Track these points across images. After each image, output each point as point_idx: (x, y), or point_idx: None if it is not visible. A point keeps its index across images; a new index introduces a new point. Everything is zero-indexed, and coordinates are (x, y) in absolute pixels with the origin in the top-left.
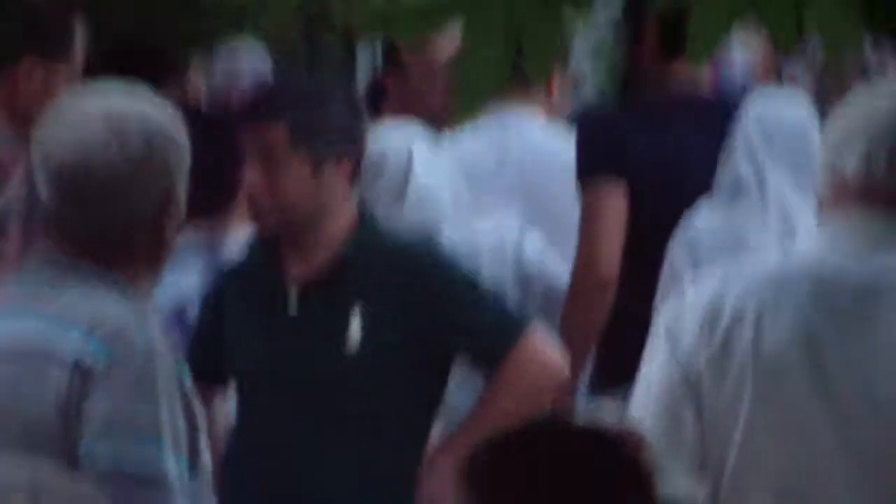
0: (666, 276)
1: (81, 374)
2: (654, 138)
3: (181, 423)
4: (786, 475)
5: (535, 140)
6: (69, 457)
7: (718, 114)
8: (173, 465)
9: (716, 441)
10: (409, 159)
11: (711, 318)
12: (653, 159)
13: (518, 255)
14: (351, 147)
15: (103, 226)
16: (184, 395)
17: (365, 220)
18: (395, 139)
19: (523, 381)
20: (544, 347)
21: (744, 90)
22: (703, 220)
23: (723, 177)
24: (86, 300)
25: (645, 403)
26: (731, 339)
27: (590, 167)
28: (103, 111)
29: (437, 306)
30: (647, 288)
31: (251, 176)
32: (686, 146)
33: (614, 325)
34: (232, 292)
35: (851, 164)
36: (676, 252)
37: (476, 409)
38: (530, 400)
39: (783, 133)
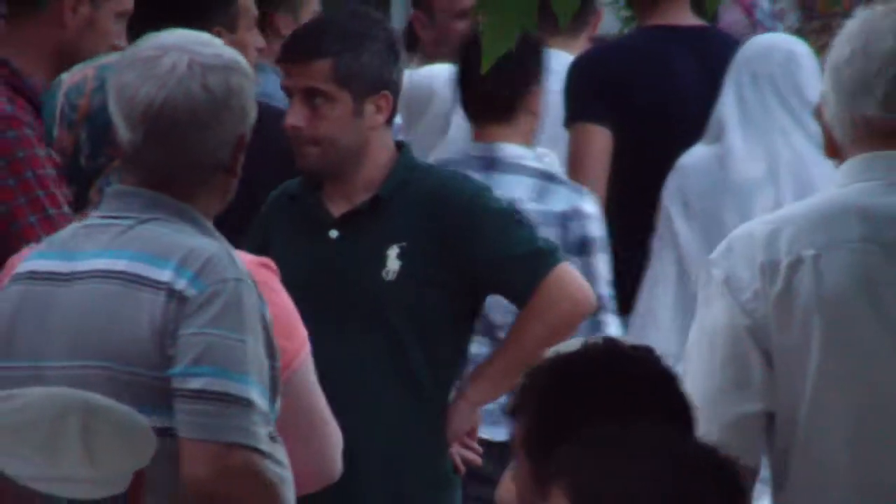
0: (660, 218)
1: (178, 301)
2: (642, 76)
3: (263, 355)
4: (858, 418)
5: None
6: (158, 377)
7: (721, 49)
8: (258, 395)
9: (786, 385)
10: (429, 100)
11: (770, 264)
12: (646, 100)
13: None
14: (390, 86)
15: (185, 162)
16: (264, 328)
17: (402, 156)
18: (441, 78)
19: (554, 311)
20: (573, 279)
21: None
22: (691, 162)
23: (712, 118)
24: (172, 233)
25: (709, 352)
26: (792, 283)
27: (574, 112)
28: (186, 54)
29: (472, 239)
30: (644, 226)
31: (295, 112)
32: (683, 84)
33: (614, 261)
34: (279, 218)
35: (871, 107)
36: (667, 194)
37: (509, 337)
38: (560, 329)
39: (770, 72)
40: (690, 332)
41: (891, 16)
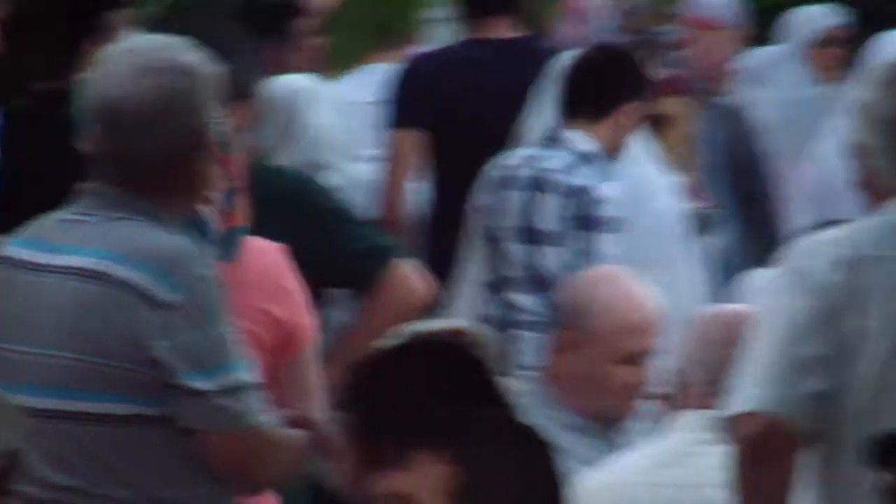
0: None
1: (153, 303)
2: (459, 85)
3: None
4: None
5: None
6: (132, 369)
7: (541, 61)
8: (245, 371)
9: (850, 368)
10: (298, 103)
11: (838, 259)
12: (453, 104)
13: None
14: (249, 93)
15: (138, 157)
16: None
17: (255, 158)
18: (284, 86)
19: (393, 302)
20: (412, 273)
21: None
22: (502, 164)
23: (525, 125)
24: (139, 233)
25: (780, 333)
26: (859, 277)
27: (391, 117)
28: (137, 54)
29: (316, 234)
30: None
31: None
32: (496, 93)
33: (433, 256)
34: None
35: None
36: (481, 196)
37: (350, 327)
38: (400, 320)
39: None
40: (759, 321)
41: None
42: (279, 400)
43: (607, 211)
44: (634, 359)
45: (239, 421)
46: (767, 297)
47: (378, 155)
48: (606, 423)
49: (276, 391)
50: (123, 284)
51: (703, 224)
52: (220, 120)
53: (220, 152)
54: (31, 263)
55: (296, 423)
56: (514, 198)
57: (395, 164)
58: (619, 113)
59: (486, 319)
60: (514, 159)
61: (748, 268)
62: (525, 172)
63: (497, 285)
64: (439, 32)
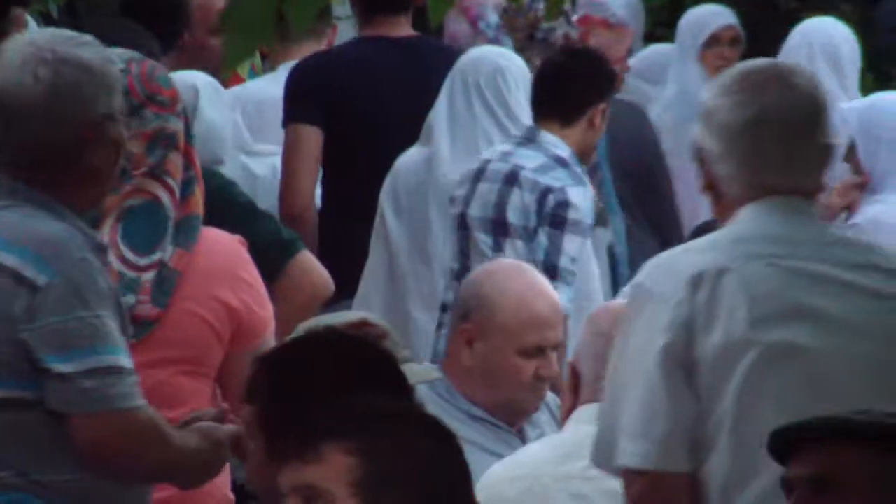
0: (377, 215)
1: (28, 288)
2: (352, 81)
3: (116, 323)
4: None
5: None
6: (16, 361)
7: (434, 59)
8: (124, 357)
9: (714, 383)
10: (195, 98)
11: (696, 275)
12: (346, 101)
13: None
14: None
15: (29, 147)
16: (114, 295)
17: None
18: (181, 80)
19: (296, 296)
20: (313, 265)
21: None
22: (403, 163)
23: (426, 122)
24: (23, 219)
25: (642, 360)
26: (717, 290)
27: (288, 113)
28: (27, 46)
29: (224, 228)
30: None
31: None
32: (390, 90)
33: (333, 251)
34: None
35: (769, 173)
36: (383, 193)
37: None
38: (302, 311)
39: (478, 82)
40: (615, 349)
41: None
42: (235, 390)
43: (574, 213)
44: (539, 351)
45: (101, 403)
46: (624, 327)
47: (267, 150)
48: (512, 414)
49: (233, 380)
50: (2, 268)
51: (598, 218)
52: (119, 115)
53: (183, 142)
54: None
55: (218, 418)
56: (488, 190)
57: (291, 157)
58: (591, 114)
59: (448, 307)
60: (491, 153)
61: (637, 263)
62: (500, 167)
63: (462, 273)
64: (341, 31)
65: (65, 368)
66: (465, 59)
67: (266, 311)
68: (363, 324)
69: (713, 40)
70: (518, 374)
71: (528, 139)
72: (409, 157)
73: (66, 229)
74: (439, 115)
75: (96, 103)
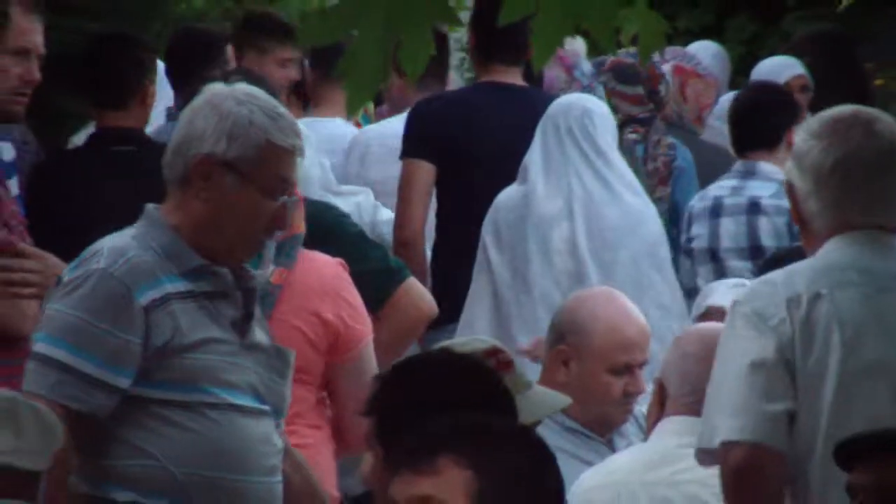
0: (479, 247)
1: (58, 279)
2: (466, 124)
3: (108, 332)
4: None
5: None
6: None
7: (536, 106)
8: (70, 356)
9: (808, 393)
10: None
11: (794, 298)
12: (459, 140)
13: (373, 219)
14: None
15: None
16: (128, 314)
17: None
18: None
19: (402, 319)
20: (419, 292)
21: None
22: (503, 200)
23: (523, 162)
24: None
25: (740, 367)
26: (812, 312)
27: (406, 149)
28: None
29: (334, 256)
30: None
31: None
32: (494, 129)
33: (441, 278)
34: None
35: (854, 213)
36: (485, 227)
37: None
38: (407, 336)
39: (569, 126)
40: (717, 359)
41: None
42: (339, 398)
43: None
44: (628, 369)
45: (26, 384)
46: (725, 339)
47: (351, 190)
48: (603, 426)
49: (336, 389)
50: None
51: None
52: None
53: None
54: None
55: None
56: (735, 222)
57: (405, 188)
58: (787, 136)
59: None
60: (718, 190)
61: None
62: (738, 200)
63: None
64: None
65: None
66: (555, 106)
67: (361, 325)
68: (495, 351)
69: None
70: (609, 391)
71: (749, 172)
72: (508, 195)
73: (117, 241)
74: (534, 156)
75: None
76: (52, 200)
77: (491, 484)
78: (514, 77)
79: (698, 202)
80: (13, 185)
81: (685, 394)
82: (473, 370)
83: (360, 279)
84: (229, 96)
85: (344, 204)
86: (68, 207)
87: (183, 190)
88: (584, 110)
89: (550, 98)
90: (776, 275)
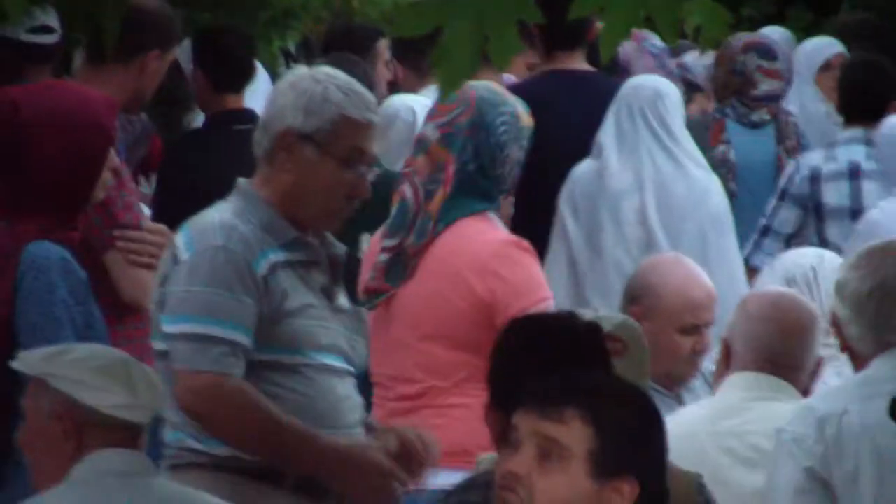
0: (556, 218)
1: (173, 260)
2: (539, 111)
3: (239, 301)
4: None
5: None
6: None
7: (601, 90)
8: (222, 330)
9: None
10: (415, 116)
11: (825, 415)
12: (541, 129)
13: None
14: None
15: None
16: (252, 282)
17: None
18: (403, 101)
19: None
20: None
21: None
22: (578, 174)
23: (596, 140)
24: (211, 210)
25: (786, 488)
26: (842, 426)
27: None
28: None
29: None
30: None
31: None
32: (568, 117)
33: None
34: None
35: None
36: (561, 199)
37: None
38: None
39: (641, 106)
40: (768, 486)
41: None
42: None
43: None
44: (695, 329)
45: (187, 363)
46: (773, 467)
47: None
48: (673, 382)
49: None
50: (173, 245)
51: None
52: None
53: (433, 148)
54: None
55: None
56: (841, 186)
57: None
58: (890, 109)
59: None
60: (852, 154)
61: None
62: (843, 166)
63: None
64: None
65: (169, 328)
66: (627, 87)
67: (519, 301)
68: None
69: (826, 66)
70: (678, 349)
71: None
72: (582, 169)
73: (226, 218)
74: (607, 133)
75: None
76: (184, 175)
77: (608, 442)
78: (579, 62)
79: (826, 163)
80: None
81: (749, 351)
82: (586, 332)
83: None
84: (308, 76)
85: None
86: (197, 182)
87: (270, 164)
88: (655, 91)
89: (617, 83)
90: (815, 397)
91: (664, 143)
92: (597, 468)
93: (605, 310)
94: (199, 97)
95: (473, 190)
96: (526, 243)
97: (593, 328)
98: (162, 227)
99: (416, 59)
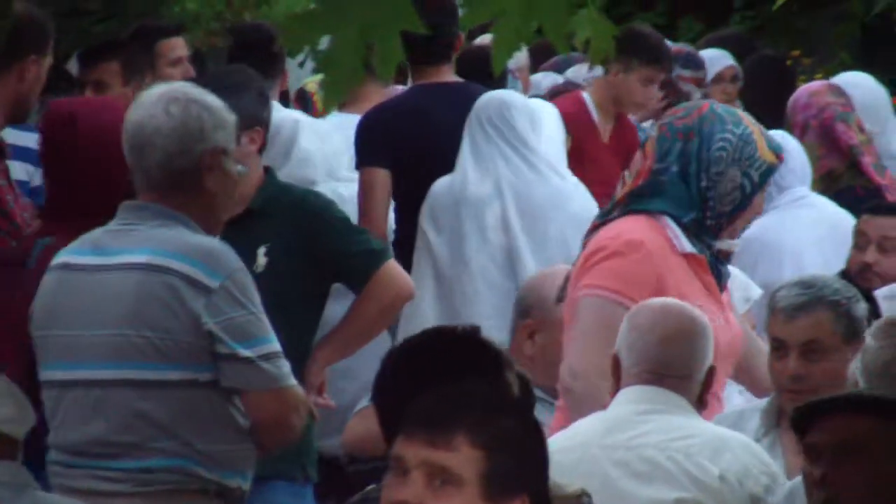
0: (417, 234)
1: (201, 289)
2: (412, 127)
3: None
4: None
5: None
6: (185, 341)
7: (466, 97)
8: (276, 344)
9: None
10: (295, 130)
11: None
12: (408, 144)
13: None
14: (262, 122)
15: (158, 174)
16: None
17: (268, 177)
18: (285, 114)
19: (383, 296)
20: (398, 273)
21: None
22: (437, 188)
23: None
24: (176, 234)
25: None
26: None
27: (360, 158)
28: (159, 92)
29: (323, 240)
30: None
31: None
32: (436, 128)
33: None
34: None
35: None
36: (421, 215)
37: (347, 315)
38: (388, 311)
39: (489, 116)
40: None
41: None
42: None
43: None
44: None
45: (277, 380)
46: None
47: (351, 177)
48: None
49: None
50: (175, 273)
51: None
52: (232, 152)
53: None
54: (90, 265)
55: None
56: None
57: (366, 196)
58: None
59: None
60: None
61: None
62: None
63: None
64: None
65: (247, 353)
66: (478, 102)
67: None
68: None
69: (718, 78)
70: None
71: None
72: (441, 184)
73: (215, 241)
74: (463, 147)
75: (214, 137)
76: None
77: (499, 464)
78: (447, 75)
79: None
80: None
81: (635, 364)
82: (468, 341)
83: (346, 260)
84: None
85: (346, 188)
86: None
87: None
88: (502, 102)
89: (483, 89)
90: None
91: (519, 151)
92: (489, 490)
93: (474, 319)
94: None
95: (665, 191)
96: (636, 244)
97: (472, 332)
98: None
99: None
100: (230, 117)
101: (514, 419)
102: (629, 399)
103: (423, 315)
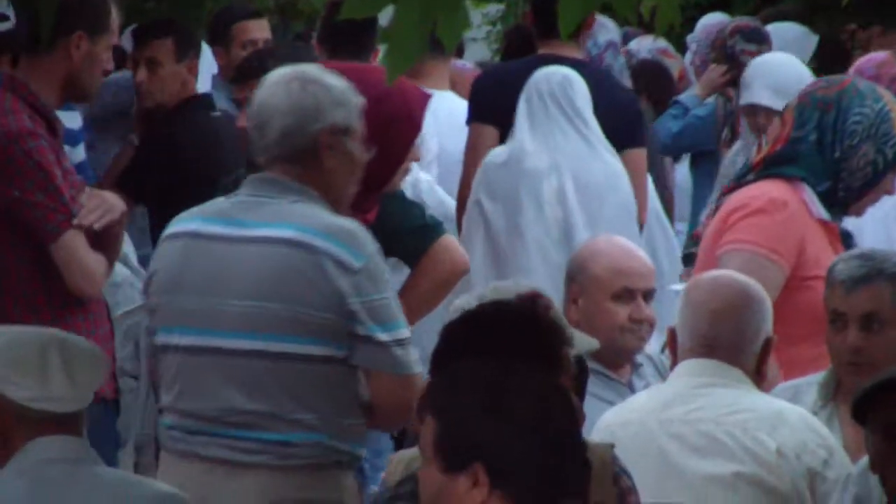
0: (469, 203)
1: (342, 268)
2: (516, 91)
3: None
4: None
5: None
6: (324, 317)
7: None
8: (407, 329)
9: None
10: None
11: None
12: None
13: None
14: None
15: (277, 151)
16: None
17: None
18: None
19: (437, 271)
20: (454, 247)
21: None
22: (492, 158)
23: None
24: (316, 211)
25: None
26: None
27: (471, 114)
28: (284, 72)
29: (378, 216)
30: None
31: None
32: None
33: None
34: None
35: None
36: (474, 185)
37: (402, 289)
38: (443, 286)
39: (551, 90)
40: None
41: None
42: None
43: None
44: (629, 294)
45: (407, 367)
46: None
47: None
48: (616, 356)
49: None
50: (322, 252)
51: None
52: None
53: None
54: (224, 236)
55: None
56: None
57: (470, 152)
58: None
59: None
60: None
61: None
62: None
63: None
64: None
65: (384, 337)
66: (537, 74)
67: None
68: (534, 296)
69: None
70: (613, 318)
71: None
72: (496, 154)
73: (354, 223)
74: (520, 118)
75: (333, 114)
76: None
77: (447, 433)
78: (570, 51)
79: None
80: (80, 152)
81: (687, 339)
82: (527, 318)
83: (401, 234)
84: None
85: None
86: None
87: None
88: (564, 76)
89: (604, 71)
90: None
91: (577, 128)
92: (444, 461)
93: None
94: None
95: (802, 159)
96: (780, 203)
97: (529, 306)
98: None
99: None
100: (354, 98)
101: (463, 389)
102: (685, 373)
103: (473, 280)
